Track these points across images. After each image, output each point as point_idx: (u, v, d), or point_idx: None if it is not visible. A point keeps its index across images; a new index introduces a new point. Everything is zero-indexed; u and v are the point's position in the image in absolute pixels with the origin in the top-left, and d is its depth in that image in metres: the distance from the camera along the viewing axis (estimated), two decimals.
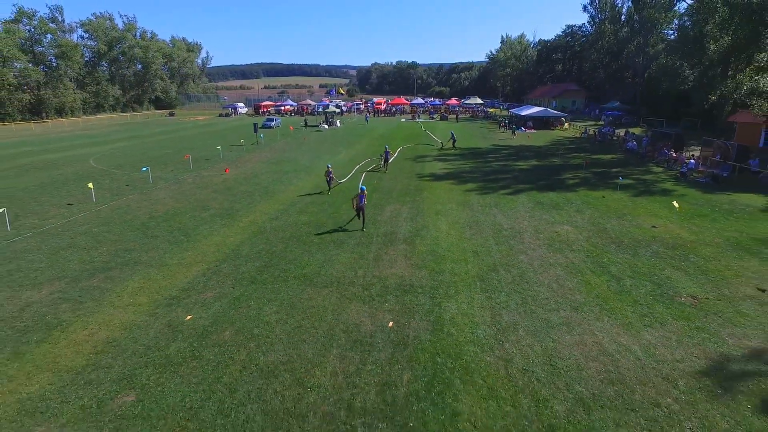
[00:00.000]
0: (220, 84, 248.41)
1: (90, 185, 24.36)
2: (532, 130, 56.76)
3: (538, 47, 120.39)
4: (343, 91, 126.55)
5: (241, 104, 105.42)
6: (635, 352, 9.63)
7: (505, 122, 60.87)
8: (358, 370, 9.09)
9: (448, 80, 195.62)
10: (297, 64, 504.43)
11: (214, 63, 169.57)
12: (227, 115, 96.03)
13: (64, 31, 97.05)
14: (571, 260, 14.74)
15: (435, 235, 17.26)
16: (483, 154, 39.05)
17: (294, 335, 10.46)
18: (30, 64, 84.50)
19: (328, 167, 24.66)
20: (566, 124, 60.92)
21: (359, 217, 17.94)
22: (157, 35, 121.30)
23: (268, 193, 24.65)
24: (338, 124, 66.33)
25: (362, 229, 17.75)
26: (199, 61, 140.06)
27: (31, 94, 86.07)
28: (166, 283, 13.46)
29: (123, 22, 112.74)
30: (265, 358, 9.54)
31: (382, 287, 12.87)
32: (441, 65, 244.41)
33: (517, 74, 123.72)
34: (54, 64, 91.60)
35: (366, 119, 73.70)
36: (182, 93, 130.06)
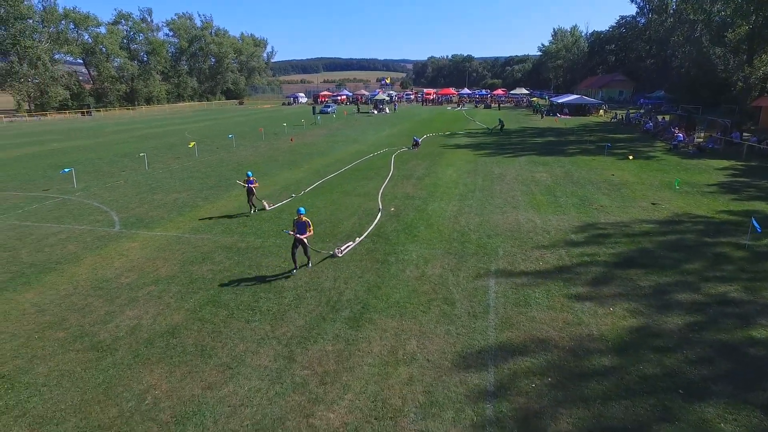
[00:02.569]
0: (282, 78, 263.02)
1: (191, 144, 32.89)
2: (567, 116, 60.92)
3: (591, 39, 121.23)
4: (389, 81, 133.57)
5: (301, 94, 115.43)
6: (537, 222, 15.78)
7: (539, 109, 65.28)
8: (368, 223, 15.90)
9: (502, 73, 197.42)
10: (355, 59, 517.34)
11: (277, 58, 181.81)
12: (289, 104, 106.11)
13: (152, 30, 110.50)
14: (531, 189, 20.74)
15: (440, 176, 23.74)
16: (508, 133, 44.55)
17: (335, 211, 17.45)
18: (127, 60, 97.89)
19: (248, 175, 17.48)
20: (601, 111, 64.40)
21: (303, 253, 11.92)
22: (228, 32, 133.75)
23: (323, 154, 32.00)
24: (387, 111, 73.26)
25: (308, 265, 12.19)
26: (265, 55, 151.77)
27: (127, 85, 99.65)
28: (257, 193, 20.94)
29: (201, 21, 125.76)
30: (318, 218, 16.60)
31: (393, 196, 19.62)
32: (496, 58, 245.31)
33: (568, 66, 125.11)
34: (145, 60, 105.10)
35: (395, 108, 79.10)
36: (250, 84, 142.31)
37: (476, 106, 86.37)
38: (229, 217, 17.23)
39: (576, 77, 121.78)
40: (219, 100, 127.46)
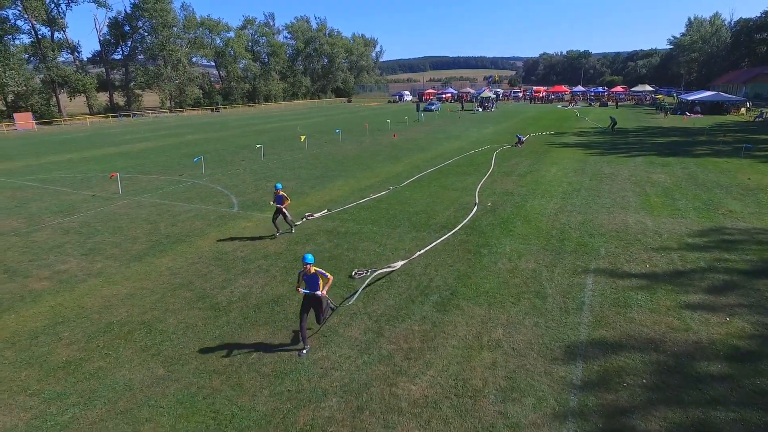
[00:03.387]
0: (389, 77, 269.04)
1: (302, 138, 35.31)
2: (698, 115, 54.63)
3: (735, 28, 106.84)
4: (497, 79, 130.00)
5: (407, 92, 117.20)
6: (648, 224, 14.60)
7: (663, 107, 59.24)
8: (463, 216, 15.94)
9: (623, 69, 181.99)
10: (463, 57, 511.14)
11: (385, 57, 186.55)
12: (394, 101, 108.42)
13: (274, 33, 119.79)
14: (644, 190, 19.14)
15: (543, 174, 22.86)
16: (625, 132, 41.18)
17: (431, 203, 17.74)
18: (251, 61, 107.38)
19: (276, 188, 14.16)
20: (743, 110, 56.65)
21: (318, 320, 8.59)
22: (341, 33, 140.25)
23: (423, 150, 32.42)
24: (492, 109, 71.64)
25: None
26: (374, 55, 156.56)
27: (249, 84, 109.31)
28: (356, 184, 21.94)
29: (316, 23, 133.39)
30: (414, 209, 17.01)
31: (491, 192, 19.37)
32: (618, 53, 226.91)
33: (704, 59, 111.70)
34: (266, 61, 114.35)
35: (493, 107, 76.34)
36: (358, 83, 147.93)
37: (590, 105, 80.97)
38: (328, 211, 18.40)
39: (713, 72, 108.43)
40: (329, 98, 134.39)
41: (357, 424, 6.42)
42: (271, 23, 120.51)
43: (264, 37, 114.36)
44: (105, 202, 19.60)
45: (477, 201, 17.84)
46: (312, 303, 8.21)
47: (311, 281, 8.10)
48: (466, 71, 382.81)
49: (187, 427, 6.51)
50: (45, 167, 29.63)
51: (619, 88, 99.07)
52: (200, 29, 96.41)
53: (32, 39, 71.41)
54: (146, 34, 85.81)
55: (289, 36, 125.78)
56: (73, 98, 79.62)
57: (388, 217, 16.19)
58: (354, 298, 10.07)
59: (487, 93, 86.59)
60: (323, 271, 8.23)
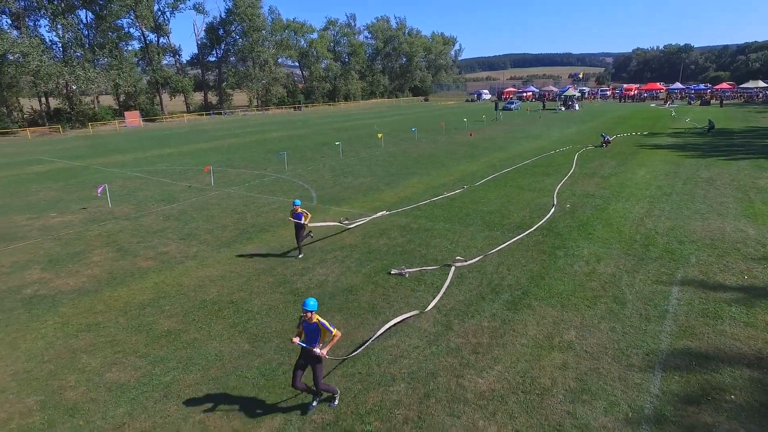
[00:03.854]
0: (467, 75, 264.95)
1: (380, 135, 36.06)
2: None
3: None
4: (582, 76, 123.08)
5: (485, 91, 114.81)
6: (749, 233, 13.35)
7: None
8: (540, 218, 15.56)
9: (731, 64, 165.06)
10: (546, 54, 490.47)
11: (464, 56, 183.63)
12: (472, 100, 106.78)
13: (354, 34, 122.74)
14: (748, 196, 17.46)
15: (629, 176, 21.58)
16: (728, 133, 37.52)
17: (506, 203, 17.50)
18: (332, 61, 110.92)
19: (294, 205, 12.69)
20: None
21: (316, 384, 6.82)
22: (420, 31, 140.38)
23: (501, 149, 31.82)
24: (577, 108, 68.30)
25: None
26: (453, 53, 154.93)
27: (330, 84, 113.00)
28: (431, 181, 22.11)
29: (396, 22, 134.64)
30: (488, 209, 16.88)
31: (571, 194, 18.67)
32: (725, 47, 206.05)
33: None
34: (346, 60, 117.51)
35: (574, 105, 72.59)
36: (435, 82, 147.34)
37: (690, 103, 74.39)
38: (404, 206, 18.73)
39: None
40: (406, 96, 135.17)
41: (423, 409, 6.67)
42: (353, 24, 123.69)
43: (345, 38, 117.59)
44: (199, 193, 21.47)
45: (555, 202, 17.31)
46: (309, 360, 6.68)
47: (311, 333, 6.60)
48: (549, 68, 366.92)
49: (269, 397, 7.12)
50: (150, 160, 32.91)
51: (724, 85, 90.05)
52: (286, 31, 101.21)
53: (141, 44, 79.22)
54: (238, 37, 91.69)
55: (369, 36, 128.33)
56: (173, 97, 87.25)
57: (461, 216, 16.22)
58: (361, 349, 8.28)
59: (572, 91, 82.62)
60: (327, 325, 6.55)
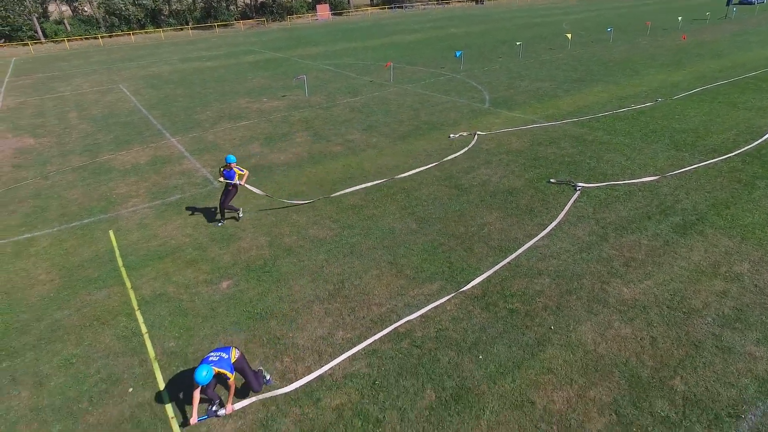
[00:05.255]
0: None
1: (568, 35, 32.74)
2: None
3: None
4: None
5: None
6: None
7: None
8: (747, 142, 13.43)
9: None
10: None
11: None
12: None
13: None
14: None
15: None
16: None
17: (707, 122, 15.33)
18: None
19: (227, 161, 10.18)
20: None
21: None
22: None
23: (718, 56, 26.45)
24: None
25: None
26: None
27: None
28: (618, 91, 20.03)
29: None
30: (682, 126, 15.06)
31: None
32: None
33: None
34: None
35: None
36: None
37: None
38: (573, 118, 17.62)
39: None
40: None
41: (563, 302, 7.38)
42: None
43: None
44: (379, 88, 23.12)
45: None
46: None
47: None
48: None
49: (429, 267, 8.56)
50: (337, 53, 35.66)
51: None
52: None
53: None
54: None
55: None
56: None
57: (647, 132, 14.85)
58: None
59: None
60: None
